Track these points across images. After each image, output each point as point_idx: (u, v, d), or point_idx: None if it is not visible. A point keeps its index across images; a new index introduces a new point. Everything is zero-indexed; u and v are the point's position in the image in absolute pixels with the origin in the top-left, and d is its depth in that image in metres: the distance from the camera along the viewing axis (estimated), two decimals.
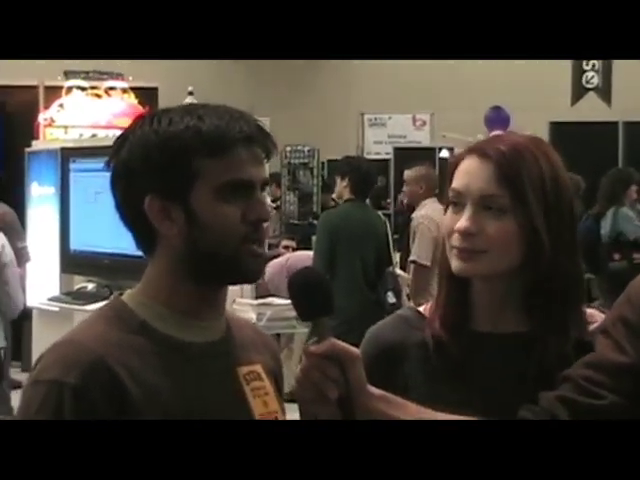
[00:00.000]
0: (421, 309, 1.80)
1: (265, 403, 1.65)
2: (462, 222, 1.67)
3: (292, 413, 1.65)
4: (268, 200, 1.67)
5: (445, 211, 1.74)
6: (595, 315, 1.75)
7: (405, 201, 7.49)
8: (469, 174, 1.69)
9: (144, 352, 1.54)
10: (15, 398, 6.27)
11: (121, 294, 1.63)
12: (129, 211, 1.59)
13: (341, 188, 6.75)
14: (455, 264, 1.69)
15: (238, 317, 1.78)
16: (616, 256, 7.45)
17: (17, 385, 6.94)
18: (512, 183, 1.65)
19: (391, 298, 6.43)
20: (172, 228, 1.55)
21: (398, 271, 6.94)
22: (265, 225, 1.58)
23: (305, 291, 1.53)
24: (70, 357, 1.50)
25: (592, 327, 1.71)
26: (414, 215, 6.91)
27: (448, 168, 1.76)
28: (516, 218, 1.66)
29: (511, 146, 1.68)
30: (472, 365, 1.70)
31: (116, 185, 1.60)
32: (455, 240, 1.68)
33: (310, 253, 7.37)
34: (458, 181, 1.70)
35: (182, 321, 1.58)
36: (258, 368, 1.67)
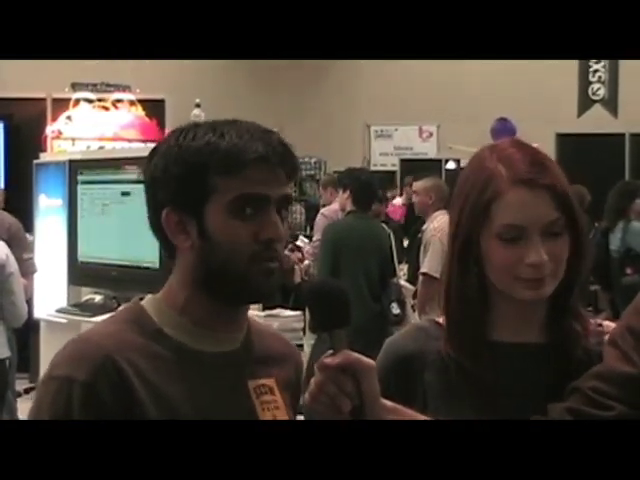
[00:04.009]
0: (440, 320, 1.81)
1: (274, 417, 1.65)
2: (535, 256, 1.66)
3: None
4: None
5: (490, 246, 1.71)
6: (611, 326, 1.76)
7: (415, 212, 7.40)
8: (525, 207, 1.68)
9: (154, 357, 1.55)
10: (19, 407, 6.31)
11: (141, 299, 1.64)
12: (151, 221, 1.63)
13: (343, 200, 6.73)
14: (526, 293, 1.69)
15: (266, 326, 1.79)
16: (629, 270, 7.41)
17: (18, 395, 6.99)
18: (565, 204, 1.68)
19: (395, 309, 6.41)
20: (187, 241, 1.57)
21: (402, 282, 6.91)
22: (278, 245, 1.57)
23: (323, 302, 1.54)
24: (80, 353, 1.53)
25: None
26: (425, 227, 6.77)
27: (480, 206, 1.70)
28: (569, 235, 1.69)
29: (548, 169, 1.69)
30: (491, 376, 1.70)
31: (145, 195, 1.64)
32: (526, 273, 1.67)
33: None
34: (515, 216, 1.68)
35: (196, 330, 1.60)
36: (271, 382, 1.67)
